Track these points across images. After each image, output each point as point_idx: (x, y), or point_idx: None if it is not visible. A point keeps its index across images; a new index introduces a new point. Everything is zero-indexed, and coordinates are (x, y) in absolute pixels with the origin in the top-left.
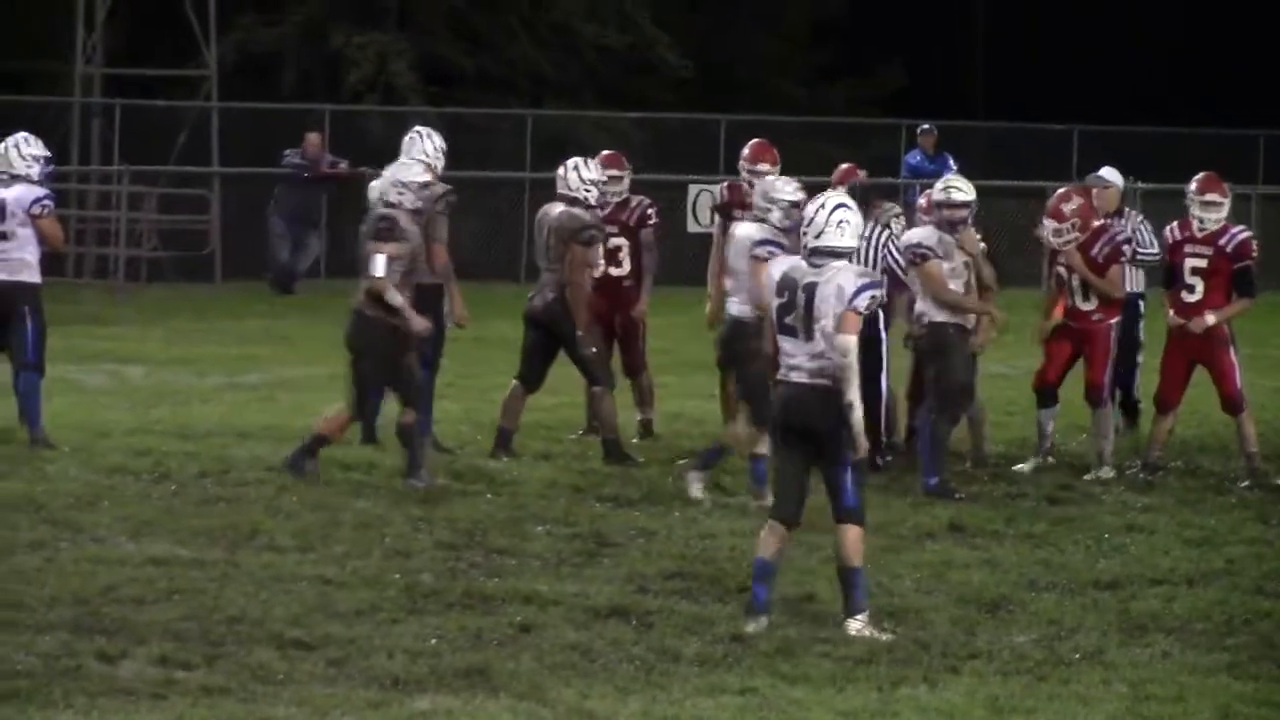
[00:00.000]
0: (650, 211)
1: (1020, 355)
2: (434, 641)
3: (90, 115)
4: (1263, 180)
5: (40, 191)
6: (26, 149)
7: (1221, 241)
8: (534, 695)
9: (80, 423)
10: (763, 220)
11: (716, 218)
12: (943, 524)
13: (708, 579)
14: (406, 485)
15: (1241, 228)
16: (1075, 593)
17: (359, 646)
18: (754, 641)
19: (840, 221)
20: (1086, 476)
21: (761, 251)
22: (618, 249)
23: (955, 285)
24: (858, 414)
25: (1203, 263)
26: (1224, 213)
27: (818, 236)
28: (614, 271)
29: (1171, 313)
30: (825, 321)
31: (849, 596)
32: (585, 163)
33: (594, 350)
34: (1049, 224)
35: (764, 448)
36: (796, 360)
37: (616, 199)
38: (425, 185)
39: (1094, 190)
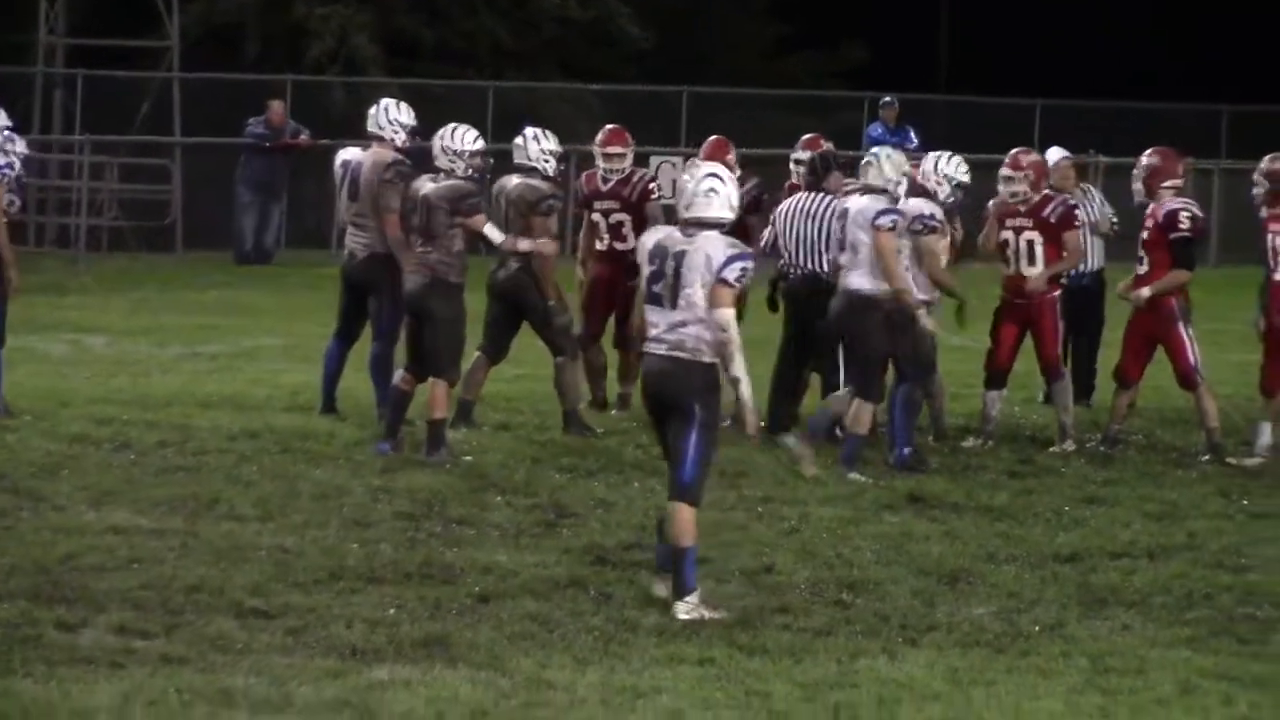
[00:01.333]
0: (652, 186)
1: (980, 330)
2: (392, 611)
3: (53, 85)
4: (1226, 155)
5: None
6: None
7: (1159, 215)
8: (493, 665)
9: (41, 392)
10: (883, 191)
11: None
12: (902, 496)
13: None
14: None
15: (1184, 201)
16: (1035, 566)
17: (318, 616)
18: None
19: (709, 190)
20: (1051, 450)
21: (885, 221)
22: (620, 224)
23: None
24: (745, 389)
25: (1144, 234)
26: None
27: (688, 207)
28: (619, 246)
29: (1120, 286)
30: (690, 290)
31: (677, 576)
32: (543, 133)
33: (568, 317)
34: (1003, 172)
35: (864, 427)
36: (659, 330)
37: (619, 175)
38: (475, 154)
39: (1054, 170)
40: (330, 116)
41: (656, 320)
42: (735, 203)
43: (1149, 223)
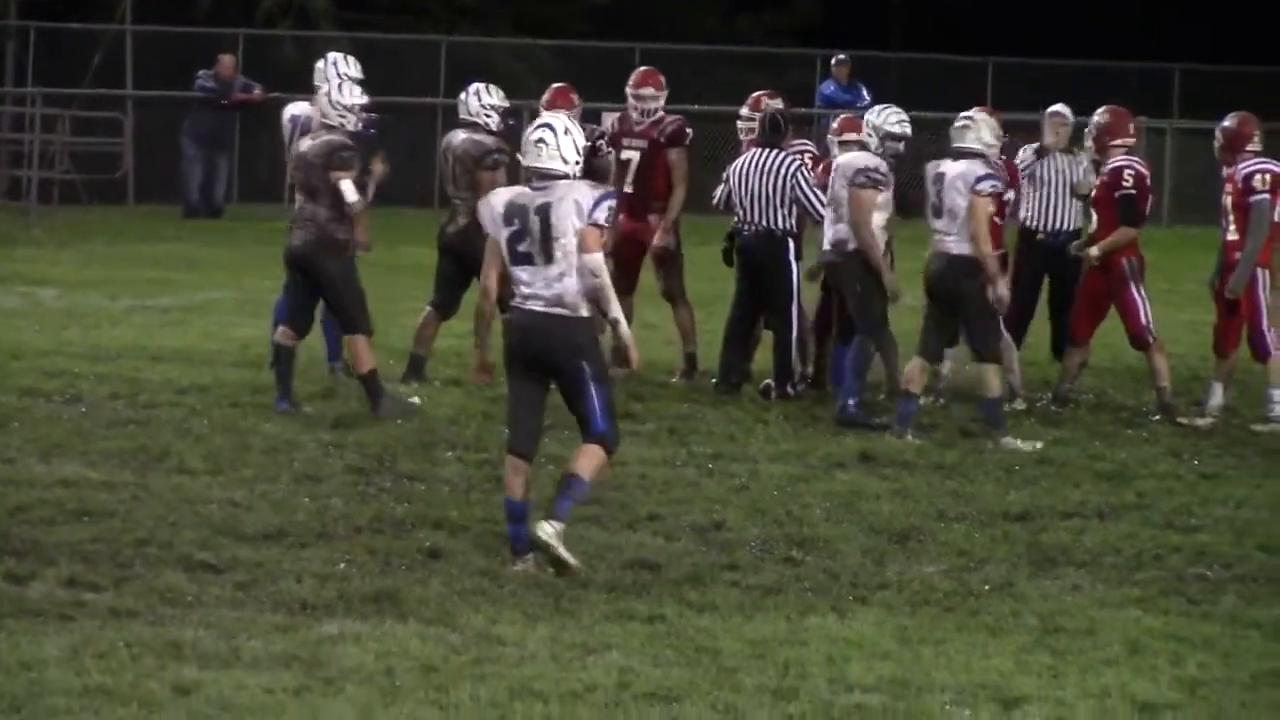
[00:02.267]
0: (689, 130)
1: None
2: (342, 566)
3: (5, 37)
4: (1178, 114)
5: None
6: None
7: (1106, 172)
8: (443, 620)
9: None
10: (981, 155)
11: (608, 147)
12: (853, 454)
13: (617, 505)
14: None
15: (1129, 159)
16: (985, 524)
17: (267, 570)
18: (663, 569)
19: (538, 141)
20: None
21: (985, 187)
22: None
23: (881, 217)
24: (624, 327)
25: (1093, 192)
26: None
27: (524, 156)
28: (643, 190)
29: (1072, 246)
30: (565, 239)
31: (558, 500)
32: (486, 88)
33: None
34: None
35: (996, 390)
36: (534, 289)
37: (651, 117)
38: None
39: (1050, 124)
40: (281, 70)
41: (529, 279)
42: (568, 153)
43: (1099, 181)
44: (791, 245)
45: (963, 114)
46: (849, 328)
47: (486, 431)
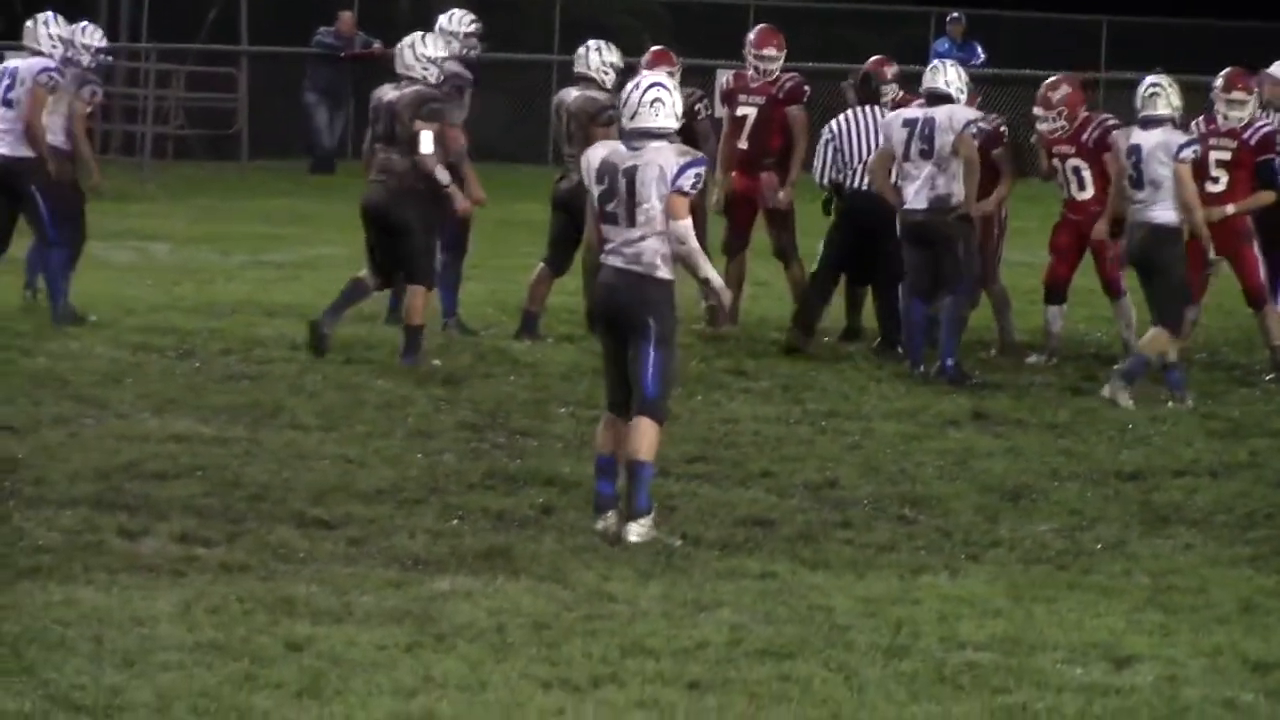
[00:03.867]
0: (806, 87)
1: (1042, 245)
2: (455, 522)
3: None
4: (1105, 67)
5: (50, 64)
6: (54, 29)
7: (1245, 135)
8: (555, 577)
9: (105, 299)
10: (1171, 120)
11: (723, 105)
12: (966, 412)
13: (730, 463)
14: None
15: (1266, 121)
16: (1098, 483)
17: (380, 526)
18: (776, 527)
19: (654, 100)
20: (1115, 368)
21: (1189, 154)
22: (762, 124)
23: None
24: (718, 282)
25: (1226, 155)
26: (1249, 110)
27: (632, 118)
28: (741, 147)
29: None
30: (648, 205)
31: (631, 495)
32: (606, 45)
33: None
34: (1036, 111)
35: (1157, 352)
36: (615, 246)
37: (769, 77)
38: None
39: (1265, 84)
40: (398, 25)
41: (613, 237)
42: (680, 111)
43: (1229, 143)
44: None
45: (1149, 80)
46: (933, 286)
47: (598, 387)
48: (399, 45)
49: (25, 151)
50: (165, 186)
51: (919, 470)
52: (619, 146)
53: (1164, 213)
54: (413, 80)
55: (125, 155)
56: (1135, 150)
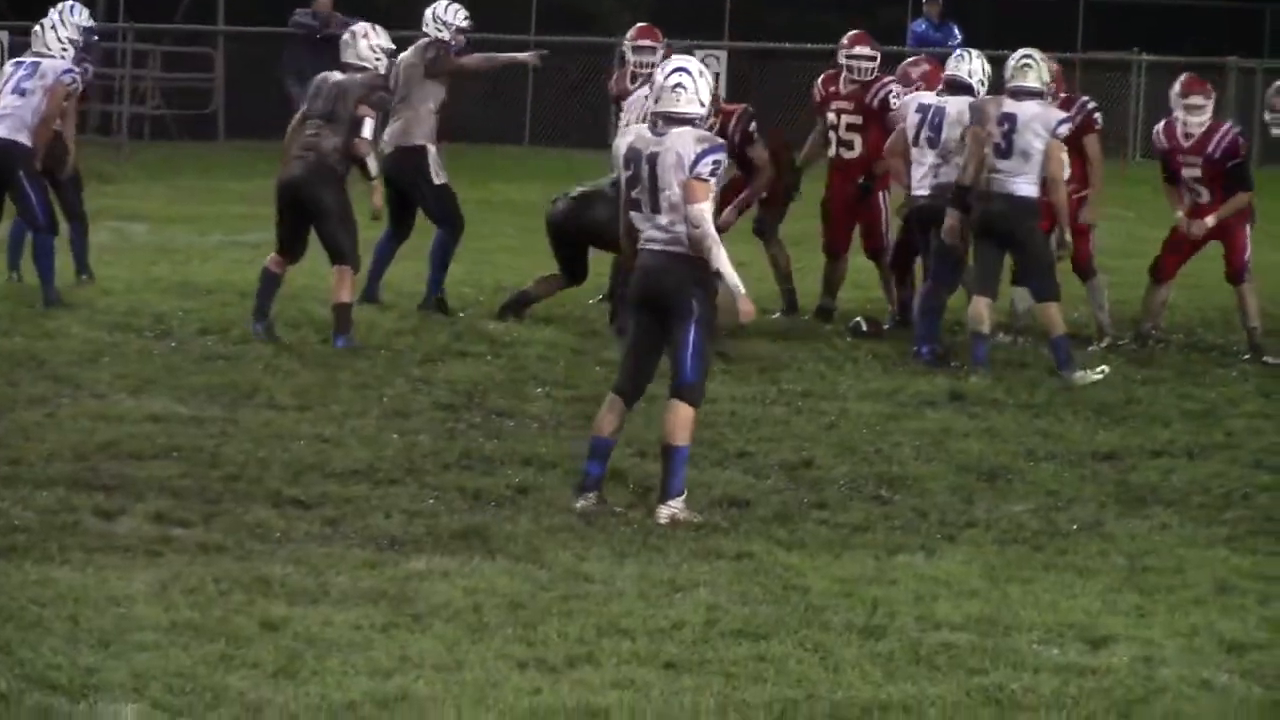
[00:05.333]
0: (894, 88)
1: None
2: (431, 502)
3: None
4: (1268, 54)
5: (76, 68)
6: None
7: (1209, 150)
8: (531, 557)
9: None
10: (1042, 95)
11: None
12: (943, 392)
13: (707, 444)
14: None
15: (1228, 125)
16: (1074, 463)
17: (356, 506)
18: (752, 507)
19: (675, 85)
20: (1089, 348)
21: (1064, 130)
22: (852, 129)
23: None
24: (734, 279)
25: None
26: (1207, 114)
27: (657, 101)
28: (845, 155)
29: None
30: (670, 192)
31: (666, 477)
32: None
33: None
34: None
35: (1059, 328)
36: (648, 233)
37: (866, 76)
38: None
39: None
40: (376, 6)
41: (643, 225)
42: (706, 98)
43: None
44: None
45: (1021, 51)
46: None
47: (576, 368)
48: (350, 35)
49: (23, 139)
50: (142, 166)
51: (895, 450)
52: (645, 132)
53: (1026, 185)
54: (364, 70)
55: (102, 135)
56: (1009, 119)
